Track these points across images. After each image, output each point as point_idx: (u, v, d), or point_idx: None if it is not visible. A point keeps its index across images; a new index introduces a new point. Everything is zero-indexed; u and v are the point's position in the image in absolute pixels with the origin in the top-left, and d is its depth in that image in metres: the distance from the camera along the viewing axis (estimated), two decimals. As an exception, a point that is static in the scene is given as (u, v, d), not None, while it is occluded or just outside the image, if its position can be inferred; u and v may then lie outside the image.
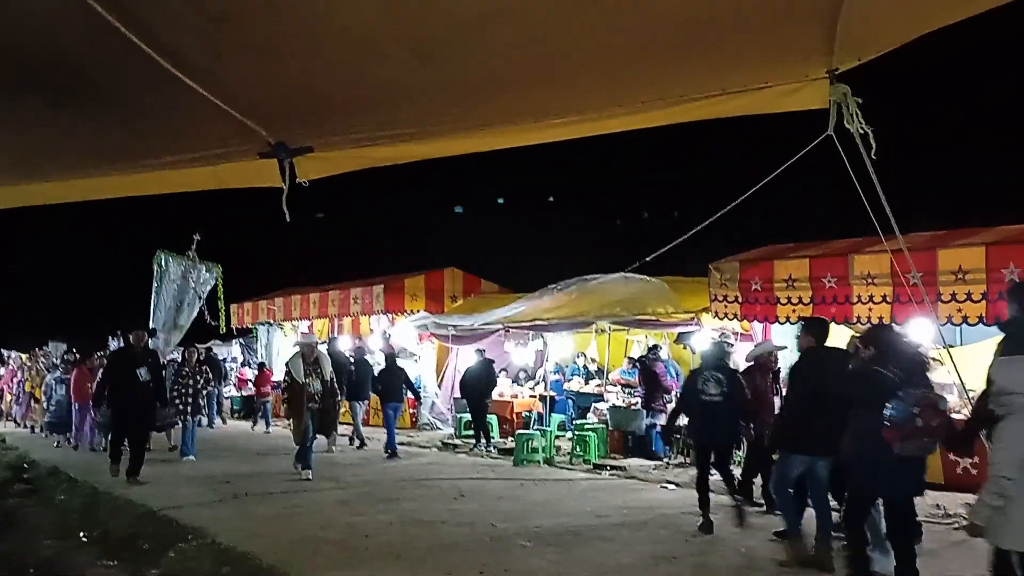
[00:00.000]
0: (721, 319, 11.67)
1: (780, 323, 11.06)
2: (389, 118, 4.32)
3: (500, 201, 32.92)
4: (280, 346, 22.77)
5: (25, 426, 19.14)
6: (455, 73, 3.72)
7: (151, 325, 14.28)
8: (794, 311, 10.83)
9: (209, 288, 15.57)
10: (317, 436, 10.90)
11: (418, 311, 19.06)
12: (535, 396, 15.37)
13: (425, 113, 4.30)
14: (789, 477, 6.49)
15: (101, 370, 12.75)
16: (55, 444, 15.18)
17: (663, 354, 13.20)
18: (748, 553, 6.66)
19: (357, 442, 14.46)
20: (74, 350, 18.28)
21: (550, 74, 3.80)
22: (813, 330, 6.75)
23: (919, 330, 9.99)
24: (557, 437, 13.35)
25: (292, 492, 9.64)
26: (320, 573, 5.97)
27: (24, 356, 21.22)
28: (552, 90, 4.16)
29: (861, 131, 5.68)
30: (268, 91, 3.99)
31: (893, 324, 8.90)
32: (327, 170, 4.66)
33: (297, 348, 11.16)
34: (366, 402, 15.54)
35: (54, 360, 18.77)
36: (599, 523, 7.85)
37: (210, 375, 13.73)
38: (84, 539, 7.35)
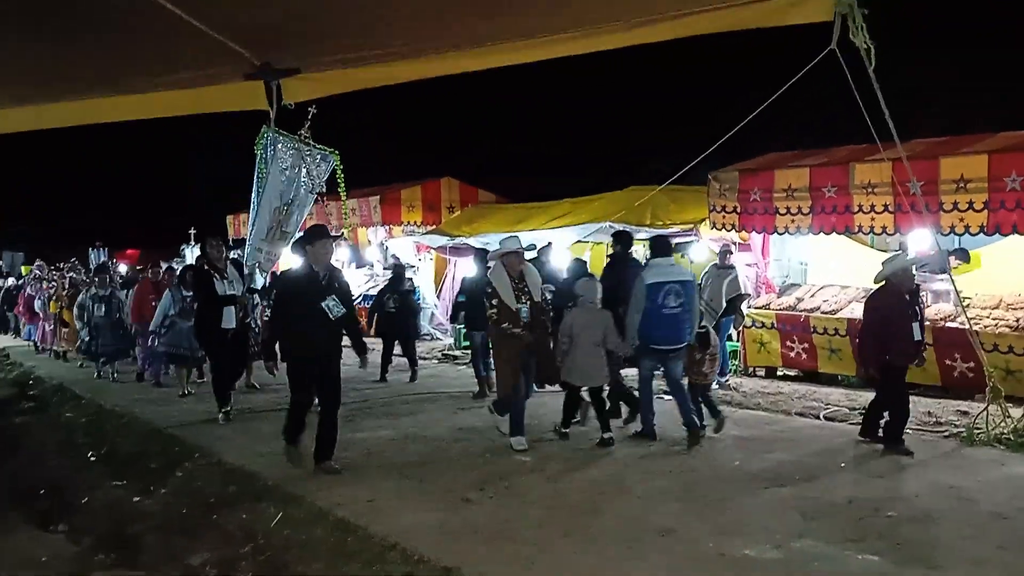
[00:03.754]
0: (719, 230, 11.60)
1: (779, 233, 11.04)
2: (378, 38, 4.16)
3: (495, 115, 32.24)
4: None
5: (45, 351, 16.53)
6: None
7: (250, 230, 8.38)
8: (793, 221, 10.76)
9: (323, 181, 11.32)
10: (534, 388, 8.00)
11: (415, 222, 19.02)
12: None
13: (415, 32, 4.14)
14: (477, 344, 10.29)
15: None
16: (95, 375, 12.66)
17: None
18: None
19: None
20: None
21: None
22: (479, 256, 10.55)
23: (919, 240, 9.93)
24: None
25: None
26: (324, 491, 6.07)
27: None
28: (547, 5, 3.99)
29: (866, 45, 5.51)
30: (252, 12, 3.83)
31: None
32: (315, 92, 4.53)
33: (496, 259, 7.61)
34: None
35: (72, 276, 16.45)
36: (597, 435, 7.97)
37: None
38: (92, 458, 7.47)
